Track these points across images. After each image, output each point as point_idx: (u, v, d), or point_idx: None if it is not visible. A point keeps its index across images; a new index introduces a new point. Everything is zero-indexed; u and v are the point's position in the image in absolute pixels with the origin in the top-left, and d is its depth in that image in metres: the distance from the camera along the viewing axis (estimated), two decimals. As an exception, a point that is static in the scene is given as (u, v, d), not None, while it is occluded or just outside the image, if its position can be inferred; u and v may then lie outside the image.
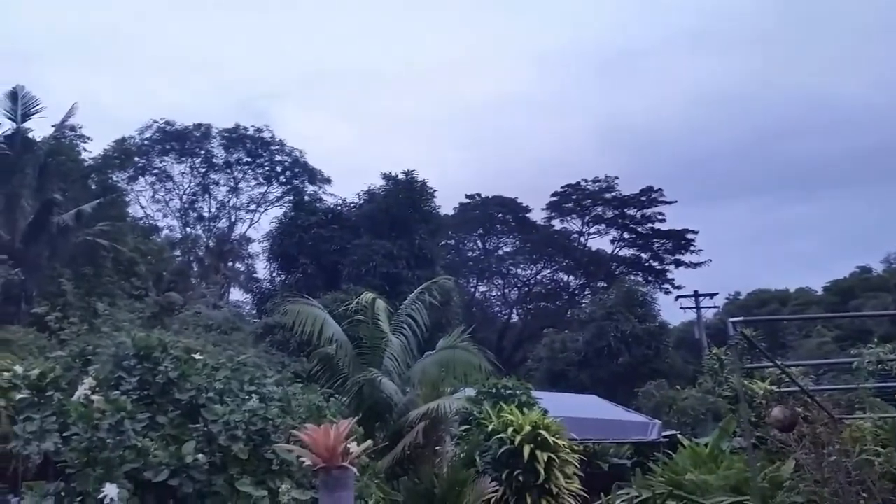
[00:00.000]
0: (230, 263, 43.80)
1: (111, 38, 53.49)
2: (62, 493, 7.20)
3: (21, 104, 23.39)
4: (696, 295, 39.77)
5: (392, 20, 61.36)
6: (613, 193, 49.25)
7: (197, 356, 9.18)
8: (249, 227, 45.18)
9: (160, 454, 7.28)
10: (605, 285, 46.13)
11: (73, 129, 26.87)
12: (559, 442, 12.03)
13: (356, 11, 61.44)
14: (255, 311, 37.96)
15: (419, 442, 10.53)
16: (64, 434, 7.48)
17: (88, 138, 28.60)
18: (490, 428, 12.36)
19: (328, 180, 44.56)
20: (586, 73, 68.01)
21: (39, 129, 24.74)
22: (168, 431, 7.82)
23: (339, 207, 38.14)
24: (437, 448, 11.27)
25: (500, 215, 50.40)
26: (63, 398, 8.14)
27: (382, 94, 64.64)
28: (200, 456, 7.26)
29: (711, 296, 40.36)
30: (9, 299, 19.72)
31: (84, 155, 28.27)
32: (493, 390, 14.36)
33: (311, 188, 44.54)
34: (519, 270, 51.46)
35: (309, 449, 4.81)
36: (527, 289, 51.56)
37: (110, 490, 6.92)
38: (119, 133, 40.50)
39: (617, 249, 50.85)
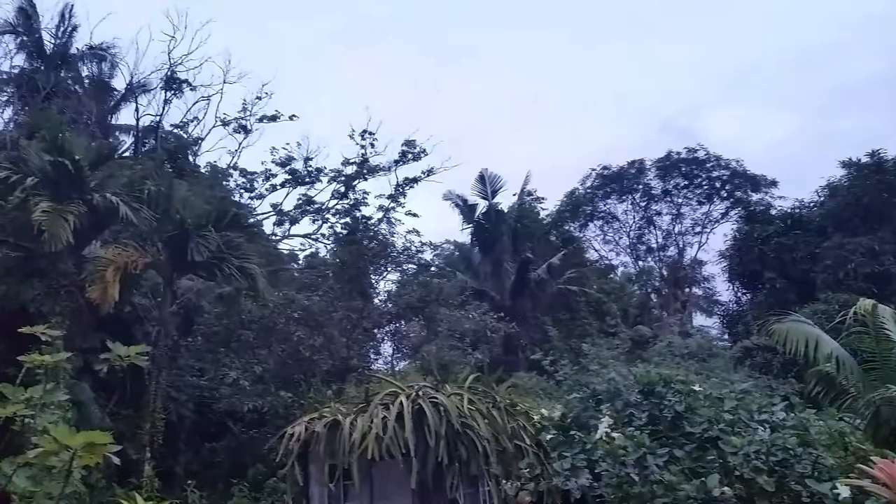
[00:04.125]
0: (687, 289, 43.46)
1: (521, 100, 59.02)
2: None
3: (489, 184, 28.16)
4: None
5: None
6: None
7: (696, 388, 9.26)
8: (699, 249, 44.42)
9: (686, 488, 7.45)
10: None
11: (529, 193, 30.68)
12: None
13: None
14: (723, 335, 36.73)
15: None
16: (595, 470, 8.23)
17: (543, 198, 32.38)
18: None
19: (774, 183, 41.34)
20: None
21: (502, 200, 29.29)
22: (686, 465, 7.97)
23: (797, 210, 34.86)
24: None
25: None
26: (583, 436, 9.00)
27: (814, 69, 56.73)
28: (727, 489, 7.20)
29: None
30: (509, 349, 23.05)
31: (542, 214, 32.20)
32: None
33: (755, 196, 41.84)
34: None
35: (884, 484, 4.34)
36: None
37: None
38: (559, 184, 44.38)
39: None
